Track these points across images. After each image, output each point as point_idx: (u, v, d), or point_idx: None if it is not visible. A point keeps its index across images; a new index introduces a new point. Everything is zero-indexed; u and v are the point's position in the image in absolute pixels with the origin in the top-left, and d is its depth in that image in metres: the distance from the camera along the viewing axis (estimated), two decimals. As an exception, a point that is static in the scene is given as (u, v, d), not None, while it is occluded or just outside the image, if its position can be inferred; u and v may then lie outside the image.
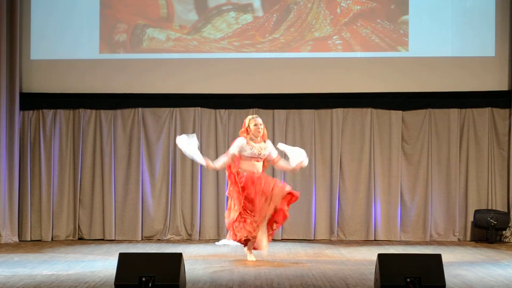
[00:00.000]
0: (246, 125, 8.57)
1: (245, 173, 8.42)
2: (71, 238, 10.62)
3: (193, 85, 10.70)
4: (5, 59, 10.26)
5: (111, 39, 10.73)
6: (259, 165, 8.52)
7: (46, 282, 6.99)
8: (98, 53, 10.71)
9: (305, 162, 8.66)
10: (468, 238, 10.62)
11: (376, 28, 10.63)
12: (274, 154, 8.69)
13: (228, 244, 9.90)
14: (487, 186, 10.61)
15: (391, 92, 10.69)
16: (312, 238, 10.60)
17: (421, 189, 10.64)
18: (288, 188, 8.52)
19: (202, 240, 10.53)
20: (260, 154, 8.48)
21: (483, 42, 10.60)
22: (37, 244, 10.10)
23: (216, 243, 10.14)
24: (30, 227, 10.53)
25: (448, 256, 8.73)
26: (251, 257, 8.45)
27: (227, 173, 8.62)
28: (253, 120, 8.58)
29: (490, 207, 10.53)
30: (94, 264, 8.22)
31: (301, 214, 10.62)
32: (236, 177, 8.42)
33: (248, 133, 8.53)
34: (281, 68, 10.67)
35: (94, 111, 10.73)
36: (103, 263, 8.28)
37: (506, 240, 10.40)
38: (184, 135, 8.65)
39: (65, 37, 10.68)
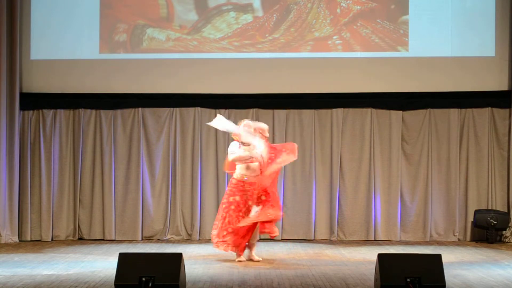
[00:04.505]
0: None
1: (233, 181, 8.51)
2: (71, 238, 10.62)
3: (193, 85, 10.70)
4: (5, 59, 10.26)
5: (111, 39, 10.73)
6: (253, 167, 8.47)
7: (46, 282, 6.99)
8: (98, 53, 10.71)
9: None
10: (468, 238, 10.62)
11: (376, 28, 10.63)
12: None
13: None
14: (487, 186, 10.61)
15: (391, 92, 10.69)
16: (312, 238, 10.60)
17: (421, 189, 10.64)
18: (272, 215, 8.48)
19: (202, 240, 10.53)
20: (252, 154, 8.44)
21: (483, 42, 10.60)
22: (37, 244, 10.10)
23: (216, 243, 10.15)
24: (30, 227, 10.53)
25: (448, 256, 8.73)
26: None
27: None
28: (240, 122, 8.64)
29: (490, 207, 10.54)
30: (94, 264, 8.22)
31: (301, 214, 10.62)
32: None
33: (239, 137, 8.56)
34: (281, 68, 10.67)
35: (94, 111, 10.73)
36: (103, 263, 8.28)
37: (506, 240, 10.40)
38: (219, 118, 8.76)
39: (65, 37, 10.68)
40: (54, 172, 10.62)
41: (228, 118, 10.68)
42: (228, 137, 10.64)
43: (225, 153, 10.61)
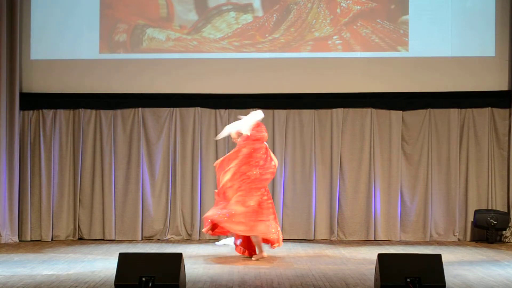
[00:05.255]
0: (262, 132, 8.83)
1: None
2: (71, 238, 10.62)
3: (193, 85, 10.71)
4: (5, 59, 10.27)
5: (111, 39, 10.73)
6: None
7: (46, 282, 6.99)
8: (98, 53, 10.71)
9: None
10: (468, 238, 10.62)
11: (376, 28, 10.64)
12: None
13: (228, 244, 9.93)
14: (487, 186, 10.61)
15: (391, 92, 10.70)
16: (312, 238, 10.60)
17: (421, 189, 10.64)
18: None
19: (202, 240, 10.53)
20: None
21: (483, 42, 10.60)
22: (37, 244, 10.10)
23: (216, 243, 10.15)
24: (30, 227, 10.53)
25: (448, 256, 8.74)
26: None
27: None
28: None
29: (490, 207, 10.54)
30: (94, 264, 8.22)
31: (301, 214, 10.62)
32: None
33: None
34: (281, 68, 10.67)
35: (94, 111, 10.73)
36: (103, 263, 8.28)
37: (506, 240, 10.40)
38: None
39: (65, 37, 10.68)
40: (54, 172, 10.62)
41: (228, 118, 10.70)
42: (228, 137, 10.64)
43: (226, 153, 10.65)
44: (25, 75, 10.67)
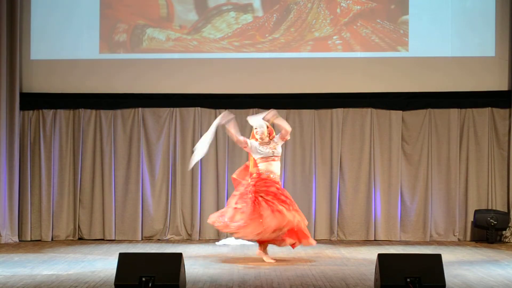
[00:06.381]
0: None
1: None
2: (71, 238, 10.62)
3: (193, 85, 10.71)
4: (5, 59, 10.26)
5: (111, 39, 10.73)
6: (276, 165, 8.56)
7: (46, 282, 6.99)
8: (98, 53, 10.71)
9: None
10: (468, 238, 10.62)
11: (376, 28, 10.64)
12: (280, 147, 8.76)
13: (228, 244, 9.93)
14: (487, 186, 10.61)
15: (391, 92, 10.70)
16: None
17: (421, 189, 10.64)
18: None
19: (202, 240, 10.53)
20: (274, 153, 8.54)
21: (483, 42, 10.60)
22: (37, 244, 10.10)
23: (216, 243, 10.15)
24: (30, 227, 10.53)
25: (448, 256, 8.73)
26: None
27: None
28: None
29: (490, 207, 10.54)
30: (94, 264, 8.22)
31: (301, 214, 10.61)
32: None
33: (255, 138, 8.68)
34: (281, 68, 10.68)
35: (94, 111, 10.73)
36: (103, 263, 8.28)
37: (506, 240, 10.40)
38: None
39: (65, 37, 10.68)
40: (54, 172, 10.62)
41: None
42: (228, 137, 10.64)
43: (225, 153, 10.66)
44: (25, 75, 10.67)
